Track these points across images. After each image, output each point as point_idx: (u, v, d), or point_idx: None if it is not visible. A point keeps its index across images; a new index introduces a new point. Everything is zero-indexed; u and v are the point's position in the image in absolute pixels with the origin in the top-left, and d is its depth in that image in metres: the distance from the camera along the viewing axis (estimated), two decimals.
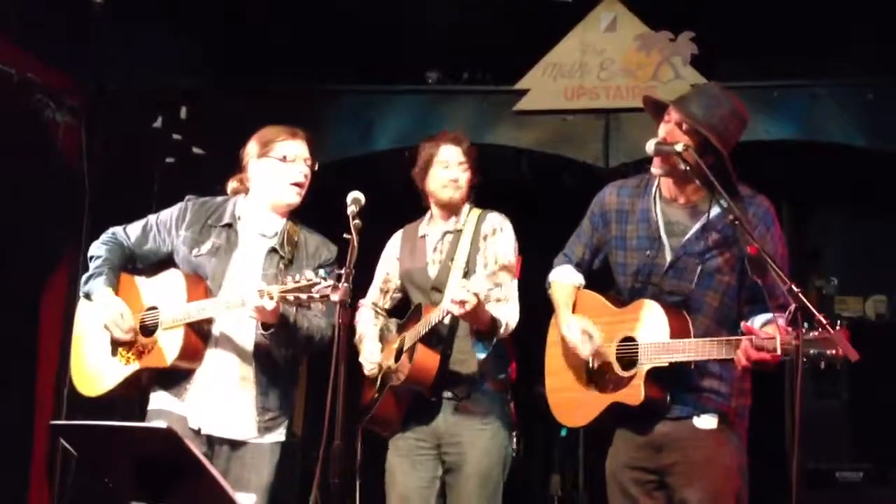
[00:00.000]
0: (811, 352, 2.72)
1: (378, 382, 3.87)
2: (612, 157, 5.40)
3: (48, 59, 5.13)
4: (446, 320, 3.61)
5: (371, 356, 3.84)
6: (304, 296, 3.16)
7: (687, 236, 3.22)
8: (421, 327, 3.64)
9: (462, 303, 3.33)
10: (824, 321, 2.71)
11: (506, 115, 5.55)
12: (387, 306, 4.05)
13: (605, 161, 5.42)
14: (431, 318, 3.59)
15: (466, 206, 3.93)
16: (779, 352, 2.85)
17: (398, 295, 4.05)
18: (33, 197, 4.97)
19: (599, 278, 3.52)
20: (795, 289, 2.76)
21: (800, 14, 5.08)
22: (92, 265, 3.61)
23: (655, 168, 3.23)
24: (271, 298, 3.22)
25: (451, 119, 5.60)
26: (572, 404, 3.37)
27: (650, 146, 3.18)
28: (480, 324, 3.57)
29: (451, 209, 3.90)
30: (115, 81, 5.49)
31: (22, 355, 5.07)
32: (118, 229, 3.69)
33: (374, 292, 4.07)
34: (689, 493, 3.14)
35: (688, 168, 3.11)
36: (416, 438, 3.75)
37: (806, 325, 2.76)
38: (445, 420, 3.70)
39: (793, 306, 2.75)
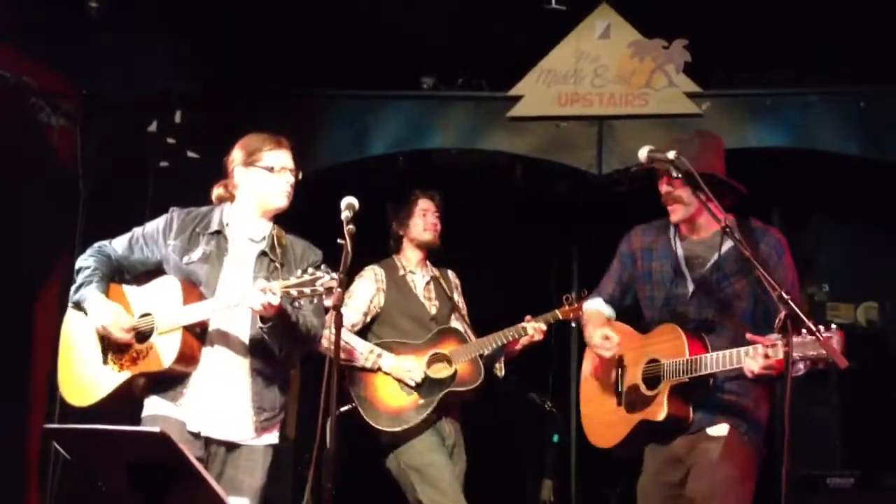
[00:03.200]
0: (810, 353, 2.83)
1: (419, 391, 4.36)
2: (605, 164, 5.41)
3: (43, 63, 5.13)
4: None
5: (416, 365, 4.37)
6: (307, 289, 3.20)
7: (706, 268, 3.44)
8: (481, 347, 4.43)
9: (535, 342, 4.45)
10: (814, 328, 2.75)
11: (500, 121, 5.55)
12: (356, 329, 4.48)
13: (598, 167, 5.43)
14: (505, 335, 4.46)
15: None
16: (781, 356, 2.97)
17: (367, 321, 4.53)
18: (27, 200, 4.97)
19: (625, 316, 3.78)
20: (786, 296, 2.80)
21: (792, 22, 5.11)
22: (80, 276, 3.60)
23: (673, 217, 3.47)
24: (275, 294, 3.25)
25: (445, 125, 5.62)
26: (604, 427, 3.61)
27: (643, 153, 3.28)
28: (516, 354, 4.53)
29: (428, 251, 4.64)
30: (110, 85, 5.48)
31: (15, 358, 5.07)
32: (104, 243, 3.70)
33: (354, 315, 4.45)
34: (692, 488, 3.33)
35: (680, 175, 3.19)
36: (440, 438, 4.40)
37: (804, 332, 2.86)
38: (451, 423, 4.45)
39: (783, 313, 2.82)
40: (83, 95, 5.48)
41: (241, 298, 3.33)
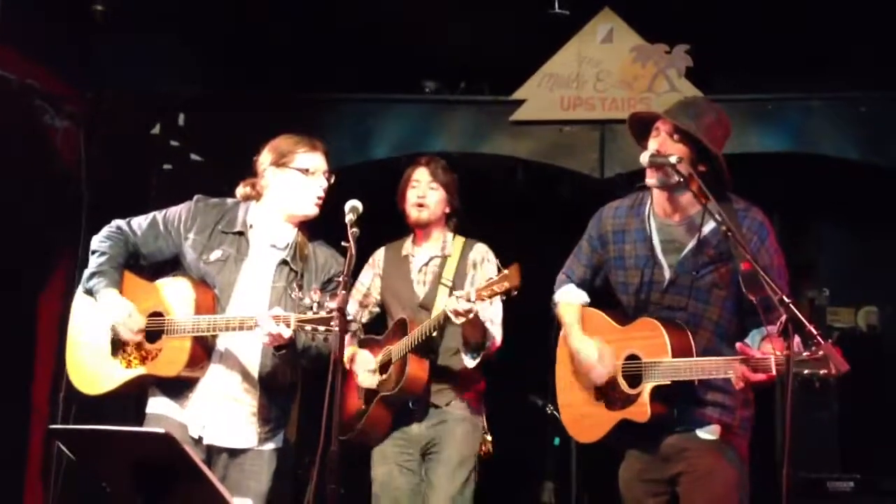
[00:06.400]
0: (804, 371, 2.76)
1: (363, 395, 4.02)
2: (608, 168, 5.43)
3: (47, 65, 5.15)
4: (435, 333, 3.82)
5: (365, 367, 4.00)
6: (322, 327, 3.15)
7: (683, 253, 3.28)
8: (413, 339, 3.85)
9: (464, 313, 3.57)
10: (815, 332, 2.73)
11: (502, 125, 5.57)
12: (363, 320, 4.19)
13: (600, 171, 5.45)
14: (426, 328, 3.80)
15: (450, 234, 4.19)
16: (774, 372, 2.91)
17: (376, 310, 4.24)
18: (31, 202, 4.98)
19: (600, 293, 3.61)
20: (787, 300, 2.77)
21: (794, 27, 5.13)
22: (94, 261, 3.50)
23: (650, 179, 3.27)
24: (288, 326, 3.20)
25: (448, 128, 5.65)
26: (584, 421, 3.47)
27: (644, 158, 3.23)
28: (475, 333, 3.85)
29: (422, 230, 4.15)
30: (114, 87, 5.50)
31: (18, 359, 5.08)
32: (123, 224, 3.57)
33: (351, 305, 4.05)
34: (689, 498, 3.23)
35: (681, 179, 3.15)
36: (401, 445, 4.01)
37: (799, 340, 2.79)
38: (427, 425, 3.99)
39: (783, 317, 2.76)
40: (87, 98, 5.50)
41: (253, 321, 3.26)
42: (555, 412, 5.38)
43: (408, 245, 4.22)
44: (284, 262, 3.53)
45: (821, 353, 2.74)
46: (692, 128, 3.18)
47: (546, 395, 5.52)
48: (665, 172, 3.21)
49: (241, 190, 3.65)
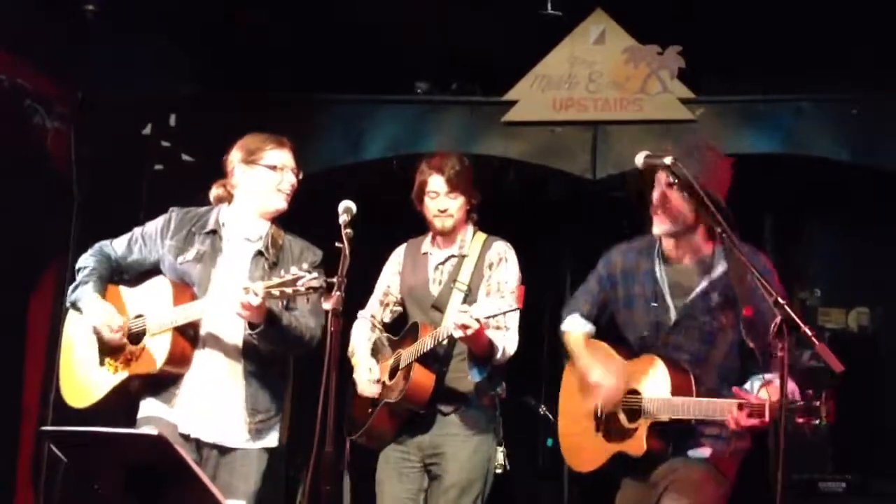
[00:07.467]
0: (797, 420, 2.83)
1: (370, 399, 3.92)
2: (600, 169, 5.44)
3: (38, 65, 5.14)
4: (444, 342, 3.70)
5: (367, 377, 3.89)
6: (289, 290, 3.19)
7: (690, 297, 3.34)
8: (419, 347, 3.73)
9: (464, 327, 3.43)
10: (810, 333, 2.74)
11: (494, 125, 5.57)
12: (386, 319, 4.09)
13: (592, 172, 5.45)
14: (430, 339, 3.69)
15: (470, 230, 4.00)
16: (767, 419, 2.98)
17: (398, 308, 4.10)
18: (21, 202, 4.96)
19: (606, 328, 3.65)
20: (781, 301, 2.79)
21: (786, 29, 5.14)
22: (79, 276, 3.62)
23: (657, 227, 3.31)
24: (256, 295, 3.23)
25: (440, 129, 5.64)
26: (581, 450, 3.53)
27: (639, 159, 3.24)
28: (479, 348, 3.66)
29: (446, 236, 3.95)
30: (105, 88, 5.49)
31: (9, 361, 5.06)
32: (104, 243, 3.71)
33: (373, 304, 4.12)
34: (671, 500, 3.26)
35: (676, 182, 3.17)
36: (403, 451, 3.87)
37: (795, 389, 2.87)
38: (432, 434, 3.82)
39: (778, 318, 2.78)
40: (78, 98, 5.48)
41: (225, 299, 3.32)
42: (548, 413, 5.39)
43: (427, 242, 4.03)
44: (259, 253, 3.59)
45: (815, 403, 2.82)
46: (694, 184, 3.13)
47: (539, 396, 5.52)
48: (673, 218, 3.25)
49: (213, 192, 3.72)
